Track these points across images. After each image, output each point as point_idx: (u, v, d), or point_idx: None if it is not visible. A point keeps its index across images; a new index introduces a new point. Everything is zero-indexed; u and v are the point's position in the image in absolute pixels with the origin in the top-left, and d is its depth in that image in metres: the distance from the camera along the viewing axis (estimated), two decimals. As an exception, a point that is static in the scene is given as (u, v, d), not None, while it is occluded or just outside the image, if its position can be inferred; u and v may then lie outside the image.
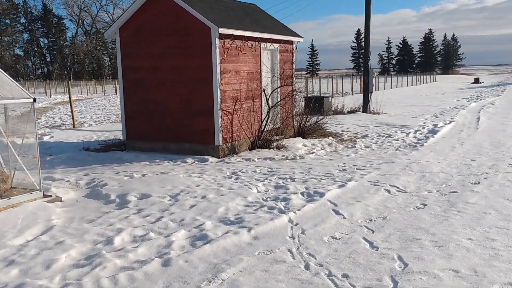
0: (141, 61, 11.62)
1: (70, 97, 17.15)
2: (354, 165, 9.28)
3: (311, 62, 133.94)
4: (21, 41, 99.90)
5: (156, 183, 7.88)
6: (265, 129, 11.81)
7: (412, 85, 56.37)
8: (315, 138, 13.49)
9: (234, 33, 10.90)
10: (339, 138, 13.37)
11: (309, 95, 23.01)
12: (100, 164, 10.20)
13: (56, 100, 40.07)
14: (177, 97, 11.27)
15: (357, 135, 13.95)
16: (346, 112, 20.22)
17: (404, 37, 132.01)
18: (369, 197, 6.95)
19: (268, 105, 11.79)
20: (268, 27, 12.92)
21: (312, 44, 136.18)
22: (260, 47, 12.19)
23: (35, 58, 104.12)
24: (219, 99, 10.70)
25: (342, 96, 35.80)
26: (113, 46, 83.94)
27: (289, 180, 8.11)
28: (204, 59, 10.74)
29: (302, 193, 7.15)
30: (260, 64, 12.30)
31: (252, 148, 11.54)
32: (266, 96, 11.81)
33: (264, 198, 6.97)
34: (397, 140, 12.75)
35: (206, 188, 7.50)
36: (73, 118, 17.09)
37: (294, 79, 14.07)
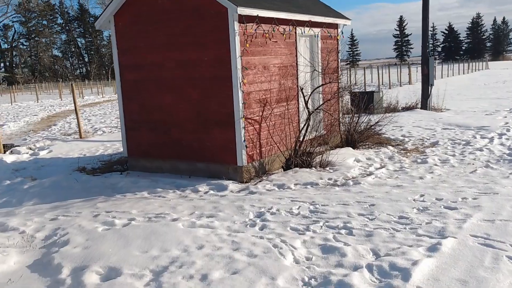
0: (141, 57, 8.96)
1: (75, 104, 14.75)
2: (438, 199, 6.28)
3: (351, 52, 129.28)
4: (59, 42, 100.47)
5: (139, 241, 5.17)
6: (304, 140, 8.94)
7: (463, 73, 51.79)
8: (369, 147, 10.50)
9: (260, 15, 8.06)
10: (401, 148, 10.32)
11: (355, 90, 19.98)
12: (83, 196, 7.63)
13: (87, 102, 38.43)
14: (186, 102, 8.56)
15: (423, 142, 10.84)
16: (400, 108, 17.02)
17: (449, 23, 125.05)
18: (489, 278, 3.98)
19: (308, 109, 8.89)
20: (306, 7, 9.99)
21: (352, 34, 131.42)
22: (295, 33, 9.30)
23: (73, 59, 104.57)
24: (240, 104, 7.91)
25: (390, 88, 32.33)
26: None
27: (343, 231, 5.23)
28: (220, 50, 7.97)
29: (370, 268, 4.25)
30: (296, 55, 9.41)
31: (287, 166, 8.68)
32: (304, 97, 8.92)
33: (306, 280, 4.12)
34: (480, 150, 9.58)
35: (212, 255, 4.70)
36: (79, 127, 14.70)
37: (340, 73, 11.09)
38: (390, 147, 10.29)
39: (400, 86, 33.98)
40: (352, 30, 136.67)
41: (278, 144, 8.83)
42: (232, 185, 7.74)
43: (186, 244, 5.00)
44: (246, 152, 8.12)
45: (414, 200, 6.33)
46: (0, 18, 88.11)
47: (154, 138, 9.10)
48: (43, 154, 12.13)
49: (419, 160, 8.95)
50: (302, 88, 8.92)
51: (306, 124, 8.88)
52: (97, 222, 6.06)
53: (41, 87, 68.92)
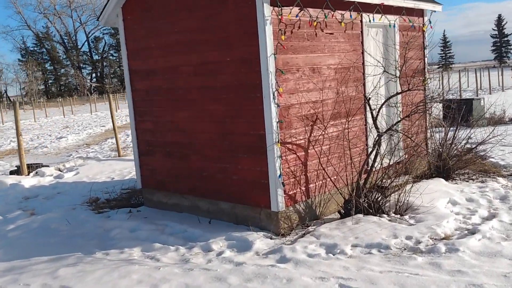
0: (153, 60, 6.84)
1: (112, 118, 13.08)
2: None
3: (444, 54, 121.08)
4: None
5: None
6: (372, 171, 6.27)
7: None
8: (469, 178, 7.57)
9: (304, -7, 5.58)
10: (518, 181, 7.25)
11: (449, 97, 16.69)
12: (59, 250, 5.59)
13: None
14: (207, 121, 6.28)
15: (550, 172, 7.65)
16: (508, 120, 13.55)
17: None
18: None
19: (377, 129, 6.20)
20: (377, -14, 7.32)
21: (444, 35, 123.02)
22: (361, 21, 6.68)
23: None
24: (274, 123, 5.46)
25: (490, 93, 28.01)
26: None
27: None
28: (247, 47, 5.60)
29: None
30: (363, 53, 6.79)
31: (346, 211, 6.03)
32: (372, 111, 6.24)
33: None
34: None
35: None
36: (117, 145, 13.00)
37: (427, 77, 8.27)
38: (501, 180, 7.28)
39: (503, 91, 29.44)
40: (444, 31, 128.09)
41: (334, 178, 6.25)
42: (260, 242, 5.30)
43: None
44: (284, 191, 5.65)
45: (561, 301, 3.50)
46: (92, 31, 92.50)
47: (170, 166, 6.92)
48: (68, 176, 10.47)
49: (549, 205, 5.92)
50: (369, 98, 6.24)
51: (375, 150, 6.21)
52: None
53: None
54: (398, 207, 6.00)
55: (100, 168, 11.11)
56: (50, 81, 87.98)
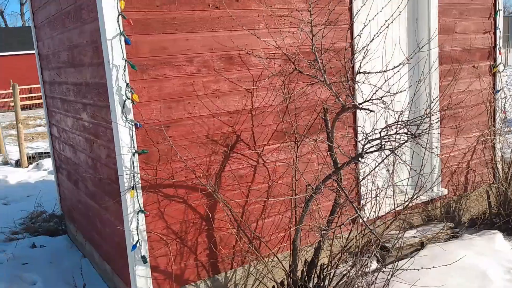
0: (46, 42, 4.87)
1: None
2: None
3: None
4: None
5: None
6: (321, 246, 3.58)
7: None
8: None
9: None
10: None
11: None
12: None
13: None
14: (81, 135, 4.14)
15: None
16: None
17: None
18: None
19: (334, 161, 3.39)
20: None
21: None
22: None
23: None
24: (127, 155, 3.09)
25: None
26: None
27: None
28: (92, 21, 3.29)
29: None
30: (351, 26, 3.99)
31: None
32: (328, 131, 3.43)
33: None
34: None
35: None
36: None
37: (500, 60, 5.13)
38: None
39: None
40: None
41: (272, 238, 3.71)
42: None
43: None
44: (156, 267, 3.32)
45: None
46: None
47: (72, 191, 4.94)
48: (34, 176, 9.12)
49: None
50: (327, 108, 3.42)
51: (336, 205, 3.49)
52: None
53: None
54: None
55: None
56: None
